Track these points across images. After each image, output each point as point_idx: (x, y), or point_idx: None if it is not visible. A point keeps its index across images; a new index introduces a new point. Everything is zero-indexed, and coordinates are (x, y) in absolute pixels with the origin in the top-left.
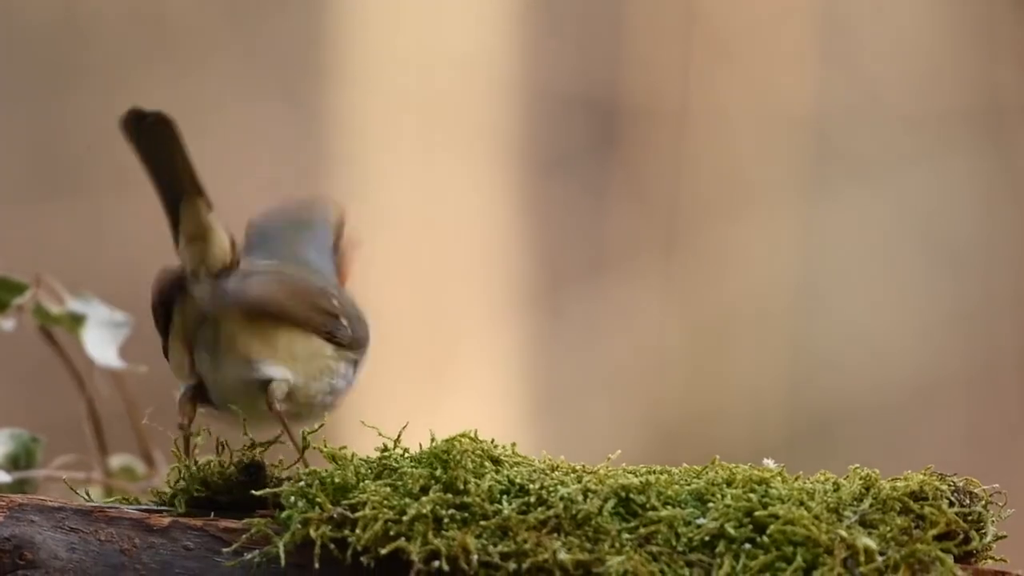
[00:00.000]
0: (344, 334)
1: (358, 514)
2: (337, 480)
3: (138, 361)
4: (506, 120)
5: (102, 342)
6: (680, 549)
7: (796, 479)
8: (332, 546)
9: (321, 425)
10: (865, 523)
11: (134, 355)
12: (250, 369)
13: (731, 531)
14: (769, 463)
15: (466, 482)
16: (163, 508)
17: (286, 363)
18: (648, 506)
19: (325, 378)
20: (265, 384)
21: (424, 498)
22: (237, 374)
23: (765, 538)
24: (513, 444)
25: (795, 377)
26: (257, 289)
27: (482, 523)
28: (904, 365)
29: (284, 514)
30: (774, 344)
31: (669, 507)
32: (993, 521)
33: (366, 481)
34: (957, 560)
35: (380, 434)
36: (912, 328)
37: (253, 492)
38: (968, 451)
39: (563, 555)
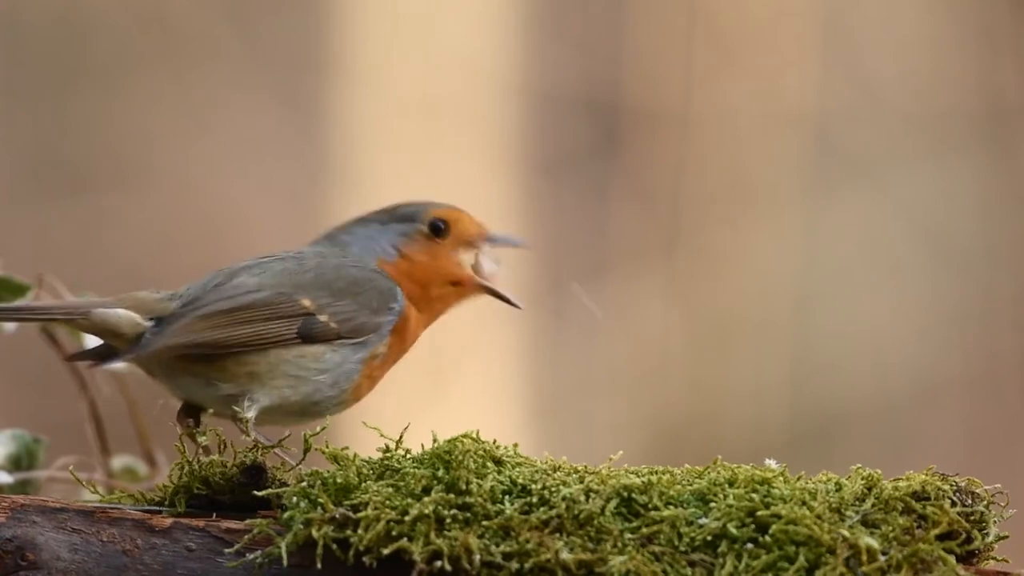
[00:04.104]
0: (322, 328)
1: (360, 514)
2: (339, 481)
3: None
4: (508, 121)
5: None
6: (682, 549)
7: (798, 479)
8: (334, 546)
9: (323, 428)
10: (867, 523)
11: None
12: (213, 389)
13: (733, 531)
14: (771, 463)
15: (468, 482)
16: (165, 508)
17: (243, 382)
18: (650, 506)
19: (301, 386)
20: (230, 398)
21: (426, 498)
22: (204, 394)
23: (767, 538)
24: (515, 445)
25: (797, 377)
26: (170, 337)
27: (484, 523)
28: (906, 365)
29: (286, 515)
30: (776, 344)
31: (671, 507)
32: (995, 521)
33: (368, 482)
34: (959, 560)
35: (382, 435)
36: (913, 328)
37: (255, 492)
38: (969, 452)
39: (565, 555)
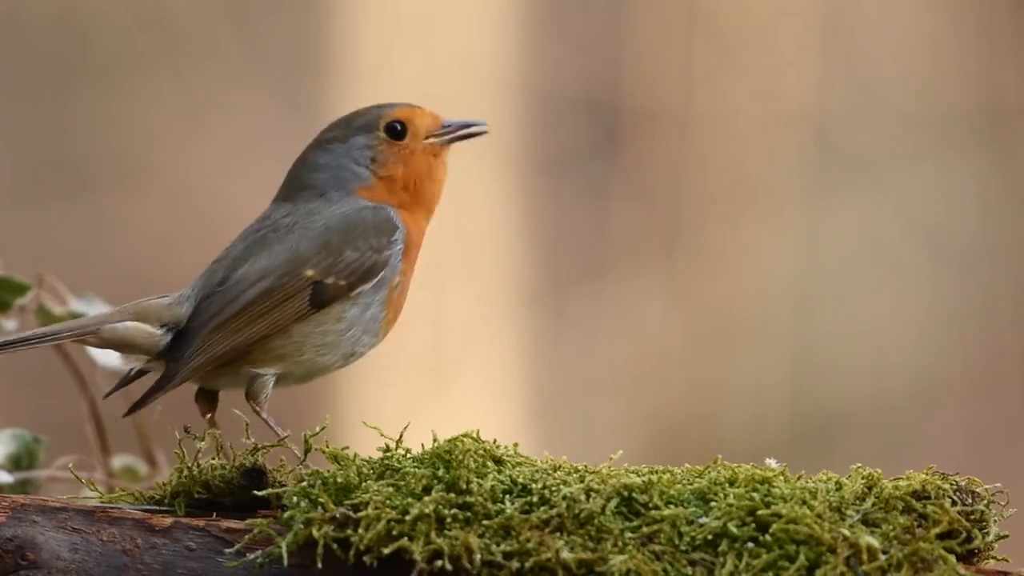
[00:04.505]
0: (330, 290)
1: (361, 514)
2: (340, 480)
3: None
4: (508, 121)
5: None
6: (683, 548)
7: (798, 478)
8: (335, 546)
9: (323, 428)
10: (868, 522)
11: None
12: (248, 376)
13: (734, 530)
14: (771, 463)
15: (468, 482)
16: (165, 508)
17: (274, 364)
18: (651, 505)
19: (334, 348)
20: (266, 380)
21: (427, 498)
22: (240, 382)
23: (768, 537)
24: (515, 444)
25: (797, 377)
26: (193, 359)
27: (485, 522)
28: (905, 365)
29: (287, 514)
30: (776, 344)
31: (672, 506)
32: (995, 520)
33: (368, 481)
34: (959, 559)
35: (382, 435)
36: (913, 328)
37: (255, 492)
38: (969, 451)
39: (566, 554)
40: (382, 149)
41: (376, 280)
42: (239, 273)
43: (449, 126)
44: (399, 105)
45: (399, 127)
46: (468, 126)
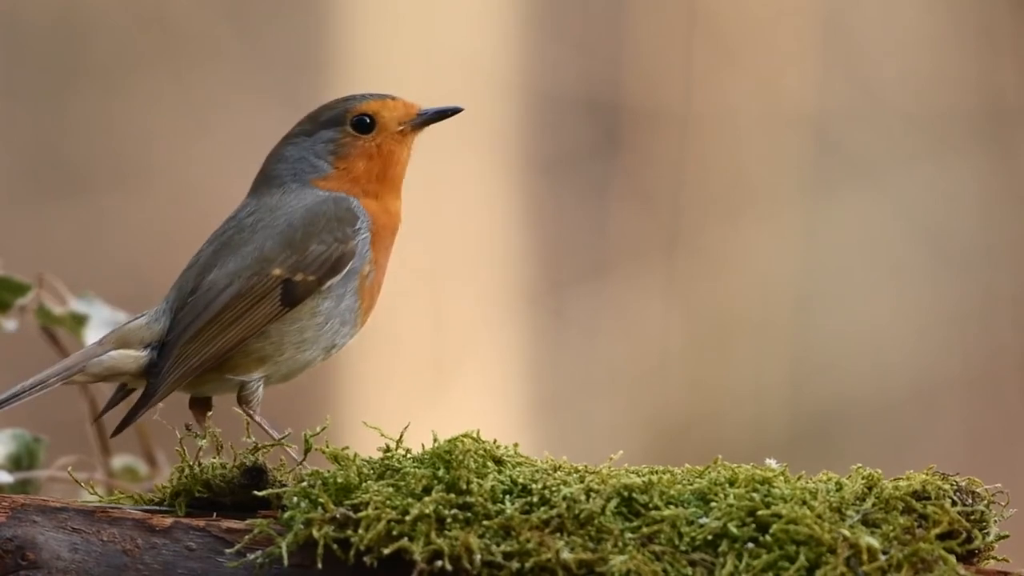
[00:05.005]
0: (300, 287)
1: (361, 514)
2: (340, 480)
3: None
4: (509, 121)
5: None
6: (683, 548)
7: (798, 479)
8: (335, 546)
9: (323, 428)
10: (868, 522)
11: None
12: (233, 383)
13: (734, 530)
14: (771, 463)
15: (469, 482)
16: (165, 509)
17: (256, 367)
18: (651, 506)
19: (313, 343)
20: (253, 383)
21: (427, 498)
22: (228, 388)
23: (768, 537)
24: (515, 444)
25: (797, 377)
26: (171, 373)
27: (485, 523)
28: (905, 365)
29: (287, 515)
30: (776, 344)
31: (672, 507)
32: (995, 520)
33: (368, 481)
34: (960, 559)
35: (382, 435)
36: (913, 328)
37: (255, 492)
38: (969, 452)
39: (566, 554)
40: (345, 143)
41: (345, 271)
42: (208, 280)
43: (424, 114)
44: (369, 97)
45: (367, 120)
46: (443, 112)
